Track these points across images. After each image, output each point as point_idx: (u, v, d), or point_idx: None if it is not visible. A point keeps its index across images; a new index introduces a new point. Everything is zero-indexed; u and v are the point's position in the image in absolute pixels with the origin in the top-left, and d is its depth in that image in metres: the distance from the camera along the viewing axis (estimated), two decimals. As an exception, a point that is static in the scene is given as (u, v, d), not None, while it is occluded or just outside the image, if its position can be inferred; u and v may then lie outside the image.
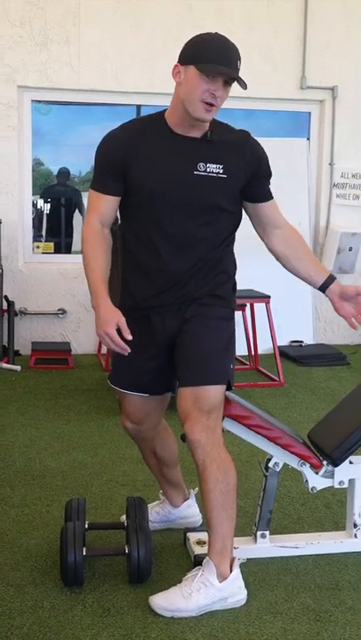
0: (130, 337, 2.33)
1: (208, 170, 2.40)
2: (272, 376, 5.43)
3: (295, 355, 6.06)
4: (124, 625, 2.31)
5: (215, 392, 2.40)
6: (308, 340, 6.46)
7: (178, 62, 2.38)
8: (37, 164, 6.55)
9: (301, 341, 6.38)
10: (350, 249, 6.36)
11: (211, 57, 2.30)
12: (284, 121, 6.73)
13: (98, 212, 2.48)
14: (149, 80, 6.03)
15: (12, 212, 5.94)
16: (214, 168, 2.40)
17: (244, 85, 2.32)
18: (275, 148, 6.35)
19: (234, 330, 2.60)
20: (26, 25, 5.82)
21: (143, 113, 6.44)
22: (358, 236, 6.36)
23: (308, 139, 6.53)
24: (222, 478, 2.38)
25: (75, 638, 2.24)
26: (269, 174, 2.53)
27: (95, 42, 5.92)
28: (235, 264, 2.61)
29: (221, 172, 2.41)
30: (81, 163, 6.97)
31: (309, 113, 6.55)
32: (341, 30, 6.33)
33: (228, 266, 2.55)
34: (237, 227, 2.55)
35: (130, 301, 2.55)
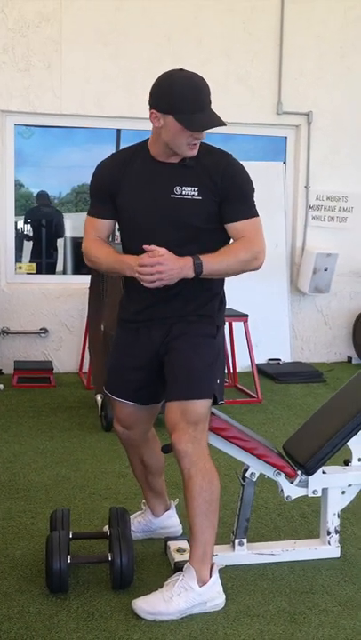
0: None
1: (184, 193, 2.55)
2: (250, 393, 5.56)
3: (273, 372, 6.21)
4: (107, 628, 2.41)
5: (201, 405, 2.53)
6: (286, 358, 6.61)
7: (154, 109, 2.50)
8: (18, 185, 6.68)
9: (279, 359, 6.53)
10: (326, 269, 6.54)
11: (188, 107, 2.44)
12: (261, 145, 6.94)
13: (93, 232, 2.68)
14: (130, 105, 6.20)
15: (-6, 233, 6.07)
16: (190, 191, 2.55)
17: (223, 124, 2.48)
18: (252, 172, 6.48)
19: (222, 346, 2.75)
20: (9, 51, 5.98)
21: (123, 137, 6.64)
22: (333, 256, 6.54)
23: (284, 162, 6.72)
24: (206, 487, 2.50)
25: (60, 641, 2.34)
26: (243, 195, 2.60)
27: (77, 68, 6.09)
28: (221, 281, 2.72)
29: (196, 194, 2.55)
30: (61, 184, 7.13)
31: (286, 137, 6.75)
32: (315, 58, 6.55)
33: (213, 284, 2.66)
34: (223, 244, 2.64)
35: (124, 313, 2.75)
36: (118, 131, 6.66)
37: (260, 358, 6.37)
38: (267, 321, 6.37)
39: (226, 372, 5.29)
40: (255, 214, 2.61)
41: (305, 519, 3.33)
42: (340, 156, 6.69)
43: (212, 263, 2.50)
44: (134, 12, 6.12)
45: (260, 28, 6.39)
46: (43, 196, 6.92)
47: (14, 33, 5.97)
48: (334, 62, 6.59)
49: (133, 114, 6.20)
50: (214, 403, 2.63)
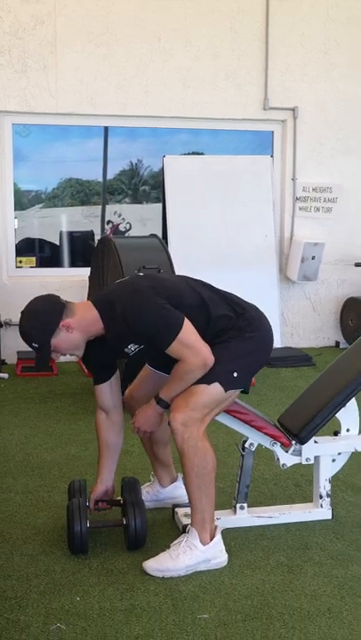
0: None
1: (133, 349, 2.86)
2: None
3: (265, 357, 6.49)
4: (126, 581, 2.70)
5: (204, 390, 2.77)
6: (277, 343, 6.86)
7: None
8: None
9: (270, 345, 6.81)
10: (313, 257, 6.83)
11: None
12: (249, 140, 7.21)
13: None
14: (122, 103, 6.46)
15: (-5, 229, 6.32)
16: (132, 347, 2.85)
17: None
18: (241, 166, 6.87)
19: (244, 346, 2.88)
20: (5, 54, 6.22)
21: (111, 135, 6.90)
22: (320, 245, 6.83)
23: (271, 156, 6.99)
24: (198, 462, 2.75)
25: (85, 593, 2.62)
26: (150, 332, 2.74)
27: (71, 68, 6.33)
28: (226, 317, 2.89)
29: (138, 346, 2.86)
30: (56, 179, 7.37)
31: (272, 132, 7.03)
32: (300, 55, 6.82)
33: (220, 329, 2.87)
34: (203, 315, 2.84)
35: None
36: (106, 128, 6.92)
37: (252, 344, 6.65)
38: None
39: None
40: (172, 337, 2.70)
41: (299, 487, 3.63)
42: (325, 148, 6.97)
43: (169, 393, 2.79)
44: (125, 15, 6.37)
45: (246, 27, 6.65)
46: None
47: (10, 36, 6.20)
48: (318, 59, 6.86)
49: (125, 112, 6.48)
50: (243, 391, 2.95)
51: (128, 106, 6.49)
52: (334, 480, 3.57)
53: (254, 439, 3.12)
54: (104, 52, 6.38)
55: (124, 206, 7.64)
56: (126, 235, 7.40)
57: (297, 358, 6.51)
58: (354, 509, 3.37)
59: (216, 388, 2.79)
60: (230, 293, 3.04)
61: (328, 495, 3.24)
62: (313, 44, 6.83)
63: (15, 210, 6.72)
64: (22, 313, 2.87)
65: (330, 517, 3.24)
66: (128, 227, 7.54)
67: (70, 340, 2.78)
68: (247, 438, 3.13)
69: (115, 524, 3.03)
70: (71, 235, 7.40)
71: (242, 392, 2.96)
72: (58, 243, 7.32)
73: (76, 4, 6.27)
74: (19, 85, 6.27)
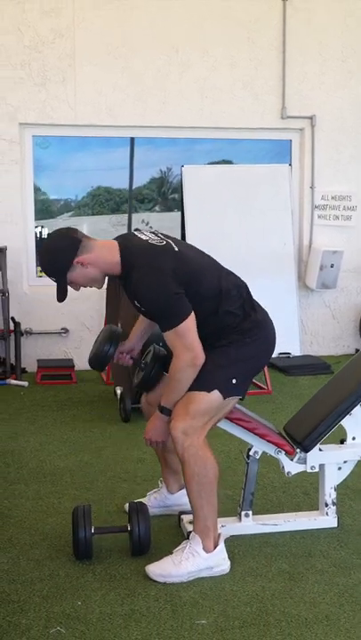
0: None
1: (137, 305, 2.87)
2: (261, 385, 5.87)
3: (283, 365, 6.51)
4: (128, 587, 2.74)
5: (203, 398, 2.80)
6: (296, 351, 6.90)
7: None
8: (38, 192, 7.04)
9: (289, 353, 6.82)
10: (332, 265, 6.83)
11: None
12: (267, 148, 7.24)
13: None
14: (140, 114, 6.54)
15: (16, 239, 6.42)
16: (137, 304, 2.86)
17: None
18: (259, 175, 6.90)
19: (244, 351, 2.89)
20: (26, 67, 6.33)
21: (136, 144, 6.97)
22: (339, 253, 6.83)
23: (290, 164, 7.01)
24: (199, 471, 2.77)
25: (87, 597, 2.67)
26: (154, 310, 2.81)
27: (90, 81, 6.42)
28: (233, 315, 2.89)
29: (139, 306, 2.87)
30: (77, 189, 7.48)
31: (290, 140, 7.06)
32: (318, 63, 6.85)
33: (226, 324, 2.89)
34: (210, 307, 2.85)
35: None
36: (132, 139, 7.00)
37: (272, 352, 6.67)
38: (277, 316, 6.54)
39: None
40: (171, 325, 2.73)
41: (308, 495, 3.64)
42: (344, 156, 6.98)
43: (168, 399, 2.84)
44: (142, 26, 6.45)
45: (263, 36, 6.70)
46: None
47: (30, 49, 6.32)
48: (336, 67, 6.88)
49: (143, 123, 6.56)
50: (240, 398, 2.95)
51: (146, 117, 6.56)
52: (342, 488, 3.58)
53: (259, 447, 3.14)
54: (122, 64, 6.47)
55: (152, 214, 7.70)
56: None
57: (315, 366, 6.51)
58: (360, 517, 3.37)
59: (215, 395, 2.81)
60: (248, 290, 3.03)
61: (334, 503, 3.25)
62: (330, 52, 6.85)
63: (44, 219, 6.83)
64: (41, 248, 2.98)
65: (335, 525, 3.25)
66: None
67: (86, 274, 2.84)
68: (252, 446, 3.15)
69: (119, 529, 3.07)
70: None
71: (239, 400, 2.97)
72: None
73: (95, 17, 6.37)
74: (38, 98, 6.38)
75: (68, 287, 2.89)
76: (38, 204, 7.34)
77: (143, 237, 2.88)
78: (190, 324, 2.75)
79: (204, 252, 3.05)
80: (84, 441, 4.55)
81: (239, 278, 3.04)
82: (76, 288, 2.93)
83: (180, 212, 6.92)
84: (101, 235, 7.46)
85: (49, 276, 2.90)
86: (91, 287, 2.95)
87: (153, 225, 7.58)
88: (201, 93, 6.63)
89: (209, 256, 3.05)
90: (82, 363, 6.57)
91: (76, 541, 2.91)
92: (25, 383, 6.00)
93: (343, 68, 6.90)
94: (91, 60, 6.41)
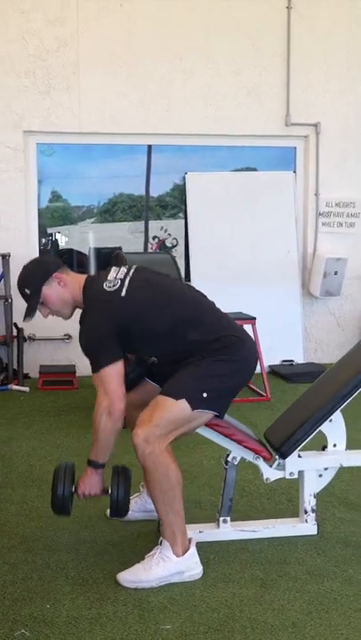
0: None
1: None
2: (260, 392, 5.86)
3: (285, 373, 6.49)
4: (98, 591, 2.75)
5: (170, 406, 2.78)
6: (299, 359, 6.88)
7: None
8: (56, 197, 7.12)
9: (292, 360, 6.80)
10: (336, 273, 6.80)
11: None
12: (271, 156, 7.24)
13: None
14: (144, 121, 6.57)
15: (20, 245, 6.47)
16: None
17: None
18: (263, 182, 6.90)
19: (216, 367, 2.85)
20: (30, 75, 6.40)
21: (160, 151, 7.07)
22: (343, 260, 6.81)
23: (294, 172, 7.00)
24: (160, 478, 2.76)
25: (56, 601, 2.68)
26: (81, 348, 2.90)
27: (94, 89, 6.47)
28: (198, 342, 2.88)
29: None
30: (102, 194, 7.56)
31: (295, 148, 7.05)
32: (322, 70, 6.85)
33: (190, 353, 2.88)
34: (172, 343, 2.92)
35: None
36: (149, 147, 7.04)
37: (275, 360, 6.67)
38: (280, 324, 6.67)
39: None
40: (96, 368, 2.83)
41: (291, 502, 3.62)
42: (349, 163, 6.96)
43: (93, 452, 2.96)
44: (146, 34, 6.49)
45: (267, 43, 6.71)
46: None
47: (35, 58, 6.38)
48: (341, 74, 6.87)
49: (147, 130, 6.59)
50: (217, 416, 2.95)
51: (150, 124, 6.60)
52: (328, 495, 3.57)
53: (237, 453, 3.14)
54: (126, 71, 6.51)
55: (174, 221, 7.72)
56: (173, 250, 7.50)
57: (317, 374, 6.38)
58: (341, 525, 3.35)
59: (182, 404, 2.79)
60: (220, 312, 3.03)
61: (313, 510, 3.23)
62: (335, 59, 6.85)
63: (64, 225, 6.90)
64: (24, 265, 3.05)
65: (315, 533, 3.23)
66: (175, 242, 7.61)
67: (60, 294, 2.93)
68: (230, 452, 3.15)
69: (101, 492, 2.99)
70: (99, 251, 7.54)
71: (216, 416, 2.95)
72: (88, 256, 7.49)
73: (98, 26, 6.42)
74: (42, 106, 6.43)
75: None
76: (58, 211, 7.41)
77: (108, 278, 2.96)
78: (114, 371, 2.81)
79: (180, 286, 3.13)
80: (77, 446, 4.56)
81: (208, 303, 3.05)
82: (45, 312, 2.98)
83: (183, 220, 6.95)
84: (119, 242, 7.53)
85: (23, 290, 2.94)
86: (57, 315, 3.01)
87: (172, 232, 7.60)
88: (205, 100, 6.65)
89: (187, 288, 3.14)
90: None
91: (54, 498, 2.90)
92: (26, 389, 6.04)
93: (348, 76, 6.88)
94: (95, 67, 6.46)
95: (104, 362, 2.80)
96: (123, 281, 2.93)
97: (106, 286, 2.91)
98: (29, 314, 2.93)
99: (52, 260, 3.10)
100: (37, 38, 6.37)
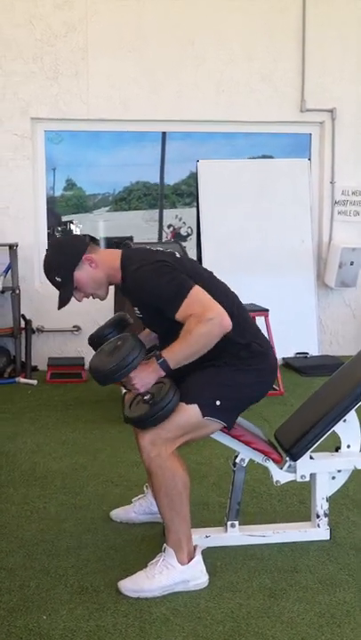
0: None
1: (137, 313, 2.83)
2: (273, 386, 5.68)
3: (299, 366, 6.32)
4: (98, 601, 2.61)
5: (180, 409, 2.63)
6: (314, 351, 6.71)
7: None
8: (71, 184, 6.98)
9: (306, 353, 6.63)
10: (352, 263, 6.62)
11: None
12: (286, 142, 7.05)
13: None
14: (154, 108, 6.39)
15: (27, 235, 6.33)
16: (137, 312, 2.83)
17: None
18: (277, 169, 6.71)
19: (238, 377, 2.72)
20: (38, 61, 6.24)
21: (176, 138, 6.91)
22: (359, 250, 6.61)
23: (309, 159, 6.81)
24: (166, 482, 2.62)
25: (54, 611, 2.55)
26: (159, 298, 2.61)
27: (103, 74, 6.30)
28: (232, 342, 2.69)
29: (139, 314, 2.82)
30: (118, 182, 7.47)
31: (310, 134, 6.85)
32: (338, 55, 6.63)
33: (221, 351, 2.67)
34: None
35: None
36: (164, 134, 6.88)
37: (288, 352, 6.50)
38: (294, 315, 6.50)
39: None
40: (180, 301, 2.58)
41: (303, 504, 3.46)
42: (365, 150, 6.75)
43: (173, 353, 2.57)
44: (157, 18, 6.31)
45: (281, 27, 6.51)
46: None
47: (42, 43, 6.22)
48: (357, 59, 6.65)
49: (157, 117, 6.41)
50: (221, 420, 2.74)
51: (160, 110, 6.42)
52: (342, 498, 3.42)
53: (245, 454, 2.99)
54: (136, 57, 6.34)
55: (185, 210, 7.56)
56: (187, 239, 7.36)
57: (332, 367, 6.18)
58: (355, 530, 3.19)
59: (194, 410, 2.65)
60: (249, 316, 2.88)
61: (326, 514, 3.08)
62: (351, 45, 6.63)
63: (79, 213, 6.77)
64: (47, 247, 2.91)
65: (327, 538, 3.07)
66: (190, 231, 7.46)
67: (93, 275, 2.76)
68: (238, 454, 3.00)
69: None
70: (109, 240, 7.40)
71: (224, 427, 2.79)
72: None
73: (108, 10, 6.24)
74: (50, 92, 6.28)
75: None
76: (73, 200, 7.27)
77: (149, 248, 2.84)
78: (199, 289, 2.59)
79: (219, 280, 2.89)
80: (83, 442, 4.43)
81: (241, 304, 2.87)
82: (80, 297, 2.81)
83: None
84: (134, 230, 7.39)
85: (53, 278, 2.76)
86: (94, 297, 2.84)
87: (187, 221, 7.45)
88: (217, 87, 6.46)
89: (223, 283, 2.89)
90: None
91: (116, 366, 2.62)
92: (34, 382, 5.92)
93: (365, 60, 6.67)
94: (104, 53, 6.29)
95: (188, 283, 2.59)
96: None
97: (154, 248, 2.81)
98: (64, 302, 2.76)
99: (78, 240, 2.89)
100: (45, 23, 6.21)
